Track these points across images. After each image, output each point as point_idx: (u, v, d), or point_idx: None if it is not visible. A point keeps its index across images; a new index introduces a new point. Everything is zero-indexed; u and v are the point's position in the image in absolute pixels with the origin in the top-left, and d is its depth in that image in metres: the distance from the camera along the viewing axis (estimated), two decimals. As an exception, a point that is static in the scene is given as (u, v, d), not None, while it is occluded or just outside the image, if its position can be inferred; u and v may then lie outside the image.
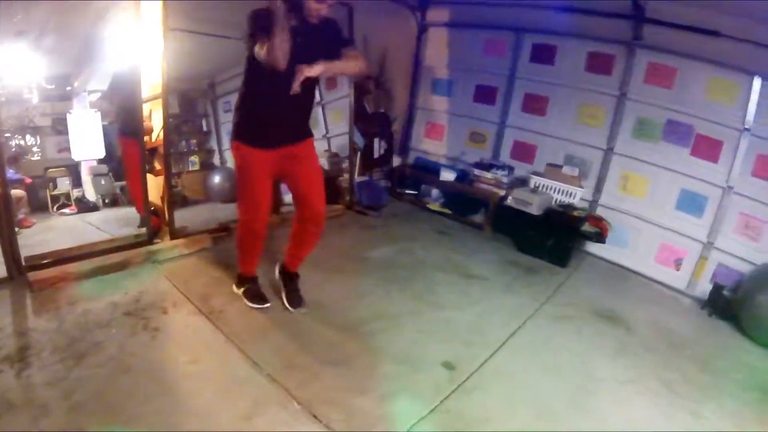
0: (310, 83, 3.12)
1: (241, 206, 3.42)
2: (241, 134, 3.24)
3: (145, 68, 4.07)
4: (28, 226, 3.88)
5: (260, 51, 2.83)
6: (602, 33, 5.71)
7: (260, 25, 2.81)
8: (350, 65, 3.17)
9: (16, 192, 3.82)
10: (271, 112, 3.14)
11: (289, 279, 3.71)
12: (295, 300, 3.64)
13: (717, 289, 4.91)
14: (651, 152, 5.52)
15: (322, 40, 3.06)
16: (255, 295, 3.64)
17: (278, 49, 2.75)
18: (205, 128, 5.14)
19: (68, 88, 4.07)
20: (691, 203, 5.31)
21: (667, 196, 5.44)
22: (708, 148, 5.17)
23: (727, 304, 4.77)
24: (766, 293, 4.37)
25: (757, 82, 4.82)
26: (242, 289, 3.67)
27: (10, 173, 3.68)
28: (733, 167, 5.02)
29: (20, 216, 3.91)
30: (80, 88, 4.12)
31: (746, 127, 4.91)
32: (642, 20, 5.39)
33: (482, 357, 3.37)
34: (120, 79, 4.21)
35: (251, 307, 3.58)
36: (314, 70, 2.91)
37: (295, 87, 2.89)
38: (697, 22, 5.01)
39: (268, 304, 3.60)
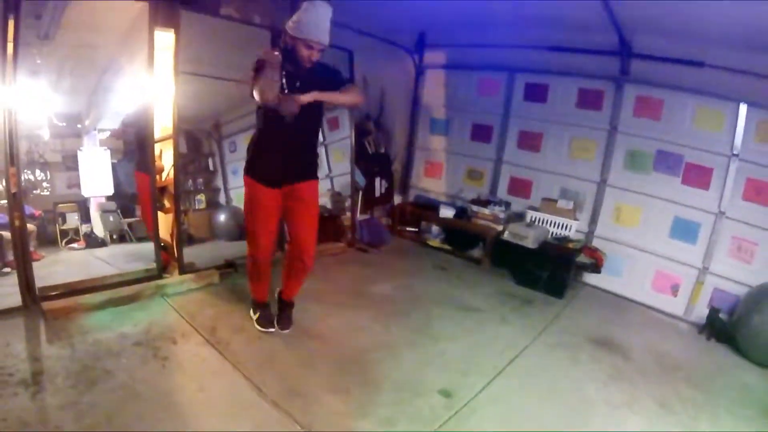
0: (313, 123, 3.49)
1: (249, 237, 3.68)
2: (251, 170, 3.53)
3: (156, 109, 4.31)
4: (37, 260, 3.99)
5: (255, 90, 3.10)
6: (591, 70, 5.93)
7: (257, 69, 3.08)
8: (343, 96, 3.44)
9: (28, 226, 3.97)
10: (276, 151, 3.43)
11: (283, 305, 3.94)
12: (283, 322, 3.88)
13: (713, 312, 5.01)
14: (643, 183, 5.68)
15: (320, 82, 3.31)
16: (263, 319, 3.86)
17: (266, 86, 3.01)
18: (211, 167, 5.28)
19: (79, 126, 4.22)
20: (684, 230, 5.44)
21: (661, 224, 5.58)
22: (698, 176, 5.33)
23: (724, 327, 4.87)
24: (761, 313, 4.48)
25: (743, 108, 5.01)
26: (256, 315, 3.89)
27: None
28: (723, 192, 5.17)
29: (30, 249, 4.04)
30: (91, 126, 4.27)
31: (734, 152, 5.08)
32: (629, 55, 5.63)
33: (479, 385, 3.46)
34: (134, 119, 4.42)
35: (259, 330, 3.81)
36: (307, 97, 3.17)
37: (294, 106, 3.14)
38: (682, 54, 5.25)
39: (272, 329, 3.82)
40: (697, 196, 5.34)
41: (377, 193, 7.18)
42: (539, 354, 4.08)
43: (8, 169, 3.61)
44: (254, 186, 3.51)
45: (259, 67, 3.08)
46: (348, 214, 6.45)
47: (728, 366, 4.44)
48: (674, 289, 5.51)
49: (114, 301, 3.89)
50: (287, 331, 3.83)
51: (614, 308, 5.47)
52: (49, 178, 4.15)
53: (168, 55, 4.38)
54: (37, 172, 3.95)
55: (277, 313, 3.92)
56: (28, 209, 4.04)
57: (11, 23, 3.52)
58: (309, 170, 3.62)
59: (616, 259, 5.83)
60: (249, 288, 3.96)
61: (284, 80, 3.24)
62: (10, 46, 3.53)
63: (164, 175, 4.81)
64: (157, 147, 4.49)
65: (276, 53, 3.04)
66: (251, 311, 3.96)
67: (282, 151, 3.42)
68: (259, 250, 3.64)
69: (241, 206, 3.79)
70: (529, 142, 6.60)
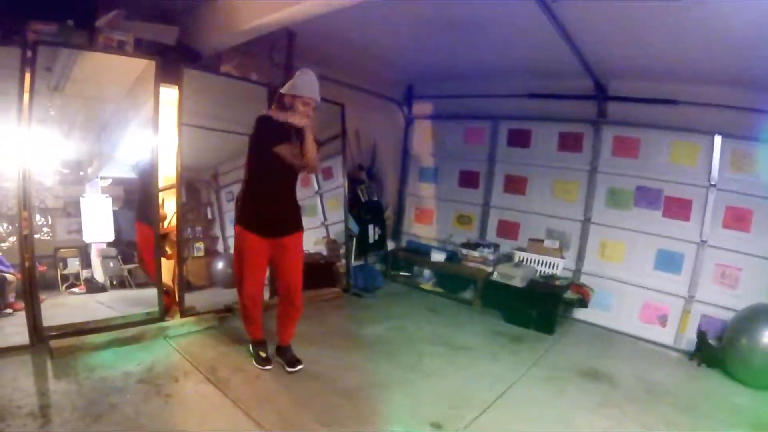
0: (293, 177, 3.92)
1: (239, 282, 3.98)
2: (241, 220, 3.89)
3: (161, 160, 4.57)
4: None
5: (284, 153, 3.67)
6: (570, 114, 6.24)
7: (272, 134, 3.67)
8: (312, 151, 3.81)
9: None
10: (264, 203, 3.81)
11: (284, 351, 4.11)
12: (291, 361, 4.03)
13: (702, 337, 5.11)
14: (625, 218, 5.90)
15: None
16: (259, 357, 4.05)
17: (315, 157, 3.78)
18: (209, 216, 5.43)
19: (81, 174, 4.36)
20: (668, 261, 5.62)
21: (645, 257, 5.76)
22: (678, 208, 5.56)
23: (714, 352, 4.97)
24: (748, 336, 4.59)
25: (717, 140, 5.26)
26: (255, 353, 4.09)
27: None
28: (704, 222, 5.37)
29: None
30: (93, 174, 4.41)
31: (712, 182, 5.32)
32: (605, 98, 5.93)
33: (468, 417, 3.54)
34: (138, 169, 4.61)
35: (258, 368, 3.97)
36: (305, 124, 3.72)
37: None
38: (656, 94, 5.55)
39: (269, 367, 3.99)
40: (678, 228, 5.55)
41: (371, 240, 7.32)
42: (528, 387, 4.15)
43: (21, 212, 3.84)
44: (245, 234, 3.85)
45: (273, 129, 3.66)
46: (343, 260, 6.61)
47: (718, 390, 4.53)
48: (662, 320, 5.63)
49: (118, 341, 4.04)
50: (300, 367, 3.98)
51: (604, 341, 5.58)
52: (50, 223, 4.27)
53: (172, 108, 4.69)
54: (38, 217, 4.08)
55: (282, 360, 4.08)
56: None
57: (28, 75, 3.83)
58: (294, 224, 4.01)
59: (604, 293, 5.97)
60: (244, 329, 4.19)
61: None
62: (26, 96, 3.83)
63: (166, 222, 5.01)
64: (160, 196, 4.71)
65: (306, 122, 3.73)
66: (251, 348, 4.15)
67: (269, 202, 3.81)
68: (249, 295, 3.96)
69: (239, 254, 4.08)
70: (515, 186, 6.85)
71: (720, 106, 5.20)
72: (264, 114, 3.80)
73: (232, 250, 4.38)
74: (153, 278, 4.61)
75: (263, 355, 4.05)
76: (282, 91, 3.78)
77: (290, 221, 3.98)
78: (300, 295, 4.04)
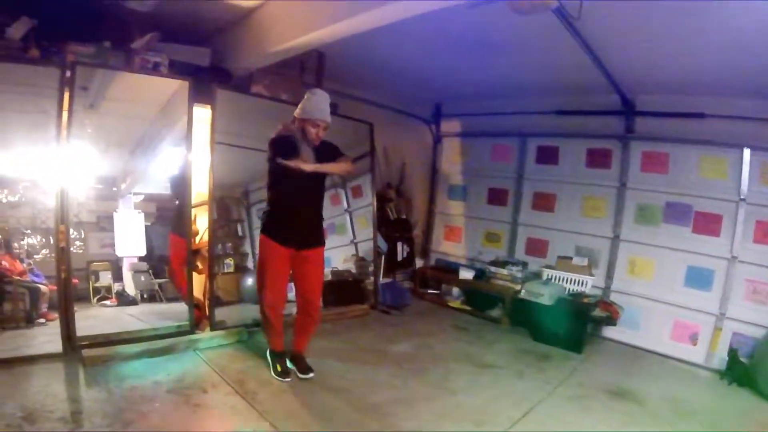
0: (317, 192, 4.08)
1: (261, 290, 4.07)
2: (267, 231, 3.99)
3: (194, 177, 4.70)
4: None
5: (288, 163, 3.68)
6: (598, 130, 6.25)
7: (282, 149, 3.78)
8: (336, 167, 4.06)
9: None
10: (289, 218, 3.93)
11: (298, 358, 4.20)
12: (303, 368, 4.13)
13: (732, 355, 5.04)
14: (654, 235, 5.84)
15: (324, 157, 3.93)
16: (280, 369, 4.11)
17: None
18: (240, 233, 5.52)
19: (114, 189, 4.49)
20: (698, 278, 5.53)
21: (675, 274, 5.68)
22: (708, 224, 5.49)
23: (745, 370, 4.88)
24: None
25: (746, 153, 5.21)
26: (275, 366, 4.13)
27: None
28: (734, 238, 5.29)
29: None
30: (126, 190, 4.53)
31: (742, 197, 5.25)
32: (633, 113, 5.93)
33: None
34: (173, 183, 4.74)
35: (279, 381, 4.01)
36: (307, 167, 3.72)
37: (296, 165, 3.67)
38: (683, 108, 5.52)
39: (288, 379, 4.04)
40: (708, 244, 5.47)
41: (399, 258, 7.39)
42: (554, 406, 4.11)
43: (57, 226, 3.98)
44: (268, 243, 3.95)
45: (284, 144, 3.81)
46: (371, 278, 6.66)
47: (747, 408, 4.45)
48: (693, 338, 5.54)
49: (149, 353, 4.14)
50: (311, 375, 4.07)
51: (632, 360, 5.50)
52: (83, 237, 4.39)
53: (204, 127, 4.83)
54: (72, 231, 4.21)
55: (294, 366, 4.16)
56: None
57: (66, 94, 4.00)
58: (317, 239, 4.15)
59: (634, 311, 5.89)
60: (266, 338, 4.30)
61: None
62: (65, 114, 3.99)
63: (198, 238, 5.13)
64: (193, 212, 4.84)
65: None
66: (269, 356, 4.22)
67: (294, 217, 3.93)
68: (271, 304, 4.05)
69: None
70: (543, 203, 6.85)
71: (748, 118, 5.16)
72: (273, 136, 3.92)
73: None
74: (181, 290, 4.72)
75: (281, 367, 4.11)
76: (295, 114, 3.91)
77: (313, 235, 4.09)
78: (318, 308, 4.19)
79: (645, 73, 5.17)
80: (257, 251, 4.32)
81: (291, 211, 3.92)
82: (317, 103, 3.86)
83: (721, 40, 4.04)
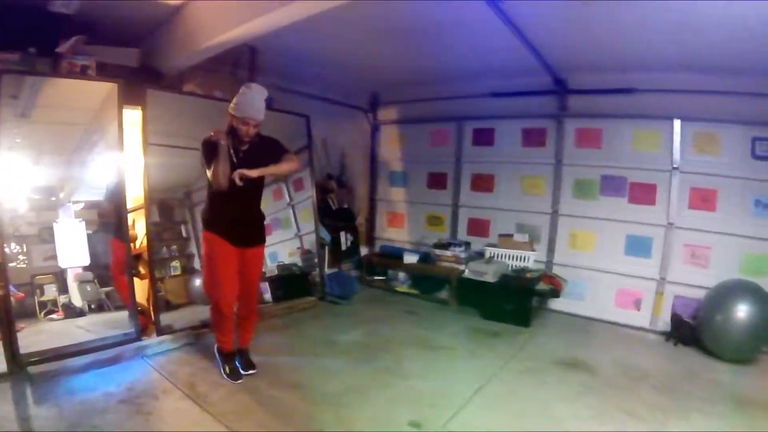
0: (256, 191, 3.97)
1: (212, 288, 3.98)
2: (211, 226, 3.90)
3: (128, 181, 4.58)
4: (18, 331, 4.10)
5: (208, 173, 3.67)
6: (533, 110, 6.38)
7: (208, 153, 3.66)
8: (282, 167, 3.98)
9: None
10: (229, 216, 3.84)
11: (241, 352, 4.17)
12: (245, 365, 4.11)
13: (675, 318, 5.28)
14: (592, 208, 6.03)
15: (261, 154, 3.82)
16: (230, 370, 4.05)
17: (220, 172, 3.58)
18: (184, 234, 5.42)
19: (53, 199, 4.32)
20: (638, 246, 5.75)
21: (615, 244, 5.89)
22: (644, 194, 5.70)
23: (691, 331, 5.10)
24: (723, 312, 4.72)
25: (677, 124, 5.41)
26: (226, 368, 4.06)
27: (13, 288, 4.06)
28: (670, 205, 5.51)
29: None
30: (66, 198, 4.36)
31: (675, 166, 5.46)
32: (565, 92, 6.06)
33: (448, 415, 3.56)
34: (109, 191, 4.60)
35: (232, 383, 3.94)
36: (252, 173, 3.65)
37: (236, 177, 3.58)
38: (615, 84, 5.66)
39: (240, 380, 3.98)
40: (645, 213, 5.68)
41: (343, 247, 7.40)
42: (507, 381, 4.19)
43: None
44: (216, 240, 3.85)
45: (209, 148, 3.63)
46: (318, 269, 6.65)
47: (696, 367, 4.61)
48: (637, 304, 5.76)
49: (97, 364, 4.04)
50: (253, 371, 4.07)
51: (580, 330, 5.67)
52: (25, 250, 4.26)
53: (137, 129, 4.72)
54: (13, 245, 4.07)
55: (239, 362, 4.12)
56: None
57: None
58: (259, 237, 4.10)
59: (578, 282, 6.09)
60: (216, 340, 4.18)
61: (232, 154, 3.73)
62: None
63: (138, 243, 5.01)
64: (131, 216, 4.73)
65: (222, 141, 3.61)
66: (218, 359, 4.16)
67: (233, 219, 3.85)
68: (223, 298, 3.92)
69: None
70: (482, 184, 6.97)
71: (677, 91, 5.36)
72: (206, 137, 3.76)
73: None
74: (124, 297, 4.61)
75: (231, 368, 4.05)
76: (228, 109, 3.77)
77: (256, 233, 4.05)
78: (256, 302, 4.19)
79: (574, 52, 5.27)
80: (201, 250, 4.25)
81: (231, 210, 3.82)
82: (251, 100, 3.71)
83: (647, 14, 4.10)
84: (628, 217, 5.80)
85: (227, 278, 3.91)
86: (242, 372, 4.03)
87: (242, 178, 3.58)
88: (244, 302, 4.09)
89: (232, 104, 3.74)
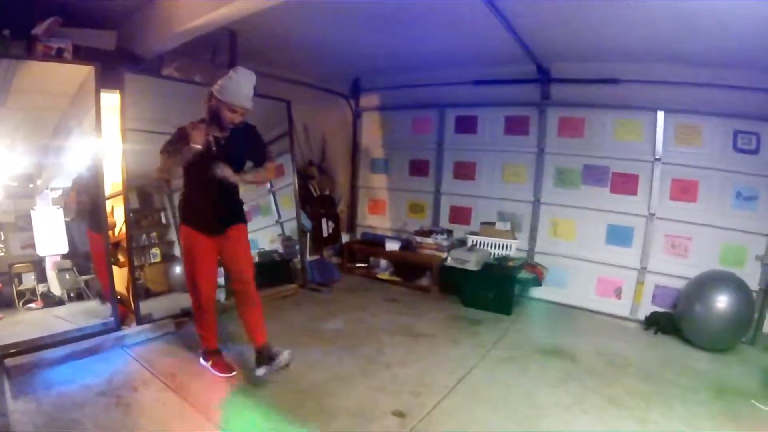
0: (234, 186, 3.76)
1: (193, 286, 3.85)
2: (187, 220, 3.81)
3: (106, 167, 4.49)
4: None
5: (161, 158, 3.71)
6: (515, 98, 6.36)
7: (174, 142, 3.57)
8: (260, 176, 3.89)
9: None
10: (205, 205, 3.71)
11: (265, 351, 3.78)
12: (273, 355, 3.71)
13: (656, 314, 5.39)
14: (574, 197, 6.04)
15: (242, 144, 3.70)
16: (220, 365, 3.93)
17: (166, 170, 3.90)
18: (164, 221, 5.35)
19: (30, 186, 4.23)
20: (619, 236, 5.79)
21: (596, 233, 5.92)
22: (625, 184, 5.73)
23: (670, 320, 5.17)
24: (701, 302, 4.77)
25: (660, 115, 5.43)
26: (210, 362, 3.95)
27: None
28: (651, 195, 5.54)
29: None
30: (43, 186, 4.28)
31: (657, 157, 5.49)
32: (548, 81, 6.05)
33: (431, 403, 3.57)
34: (85, 178, 4.50)
35: (220, 377, 3.86)
36: (231, 178, 3.55)
37: (218, 173, 3.48)
38: (598, 74, 5.67)
39: (233, 373, 3.89)
40: (626, 202, 5.72)
41: (325, 234, 7.39)
42: (489, 369, 4.22)
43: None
44: (192, 234, 3.74)
45: (179, 140, 3.51)
46: (299, 256, 6.62)
47: (677, 356, 4.68)
48: (617, 292, 5.82)
49: (75, 355, 3.96)
50: (287, 356, 3.71)
51: (562, 318, 5.74)
52: (2, 239, 4.17)
53: (114, 114, 4.62)
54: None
55: (263, 363, 3.71)
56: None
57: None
58: (236, 218, 3.88)
59: (559, 271, 6.13)
60: (198, 337, 4.05)
61: (212, 141, 3.56)
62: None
63: (116, 230, 4.93)
64: (109, 203, 4.63)
65: (198, 147, 3.44)
66: (202, 359, 4.02)
67: (209, 205, 3.69)
68: (203, 296, 3.82)
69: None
70: (464, 171, 6.95)
71: (661, 82, 5.37)
72: (185, 127, 3.53)
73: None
74: (104, 286, 4.54)
75: (221, 363, 3.94)
76: (212, 91, 3.51)
77: (231, 216, 3.83)
78: (254, 286, 3.85)
79: (558, 40, 5.23)
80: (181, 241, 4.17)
81: (204, 197, 3.67)
82: (239, 85, 3.46)
83: (634, 6, 4.08)
84: (610, 207, 5.83)
85: (205, 272, 3.82)
86: (281, 365, 3.68)
87: (221, 177, 3.50)
88: (238, 276, 3.81)
89: (216, 86, 3.48)
